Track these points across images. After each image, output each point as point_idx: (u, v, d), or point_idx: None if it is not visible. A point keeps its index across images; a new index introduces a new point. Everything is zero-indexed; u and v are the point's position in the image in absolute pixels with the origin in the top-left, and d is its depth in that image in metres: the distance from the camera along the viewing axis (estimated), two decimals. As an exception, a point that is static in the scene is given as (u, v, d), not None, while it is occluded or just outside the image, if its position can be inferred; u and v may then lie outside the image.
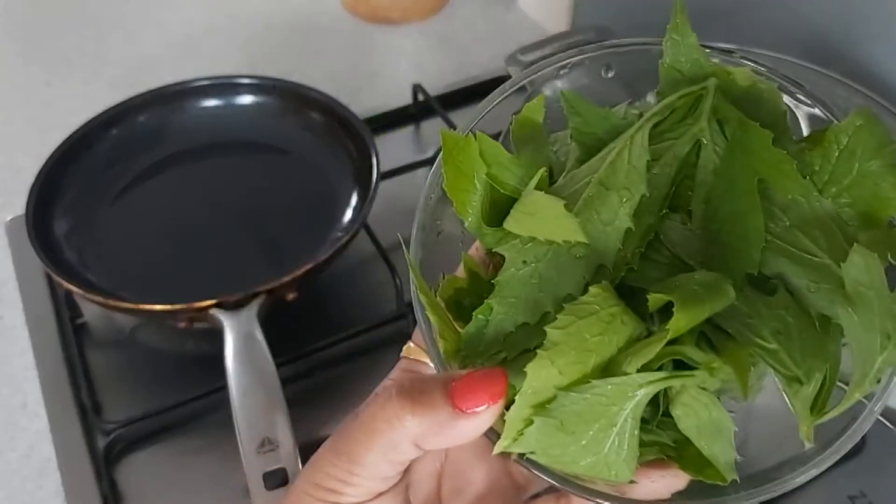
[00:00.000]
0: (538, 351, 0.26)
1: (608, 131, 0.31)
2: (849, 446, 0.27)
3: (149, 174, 0.73)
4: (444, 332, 0.28)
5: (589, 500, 0.27)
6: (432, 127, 0.82)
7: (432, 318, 0.28)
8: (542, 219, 0.28)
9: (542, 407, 0.26)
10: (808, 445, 0.27)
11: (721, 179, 0.29)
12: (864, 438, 0.59)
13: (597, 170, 0.29)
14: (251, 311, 0.57)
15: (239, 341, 0.56)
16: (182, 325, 0.59)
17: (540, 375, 0.26)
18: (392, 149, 0.77)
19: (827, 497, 0.55)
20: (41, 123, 0.86)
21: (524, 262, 0.28)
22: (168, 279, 0.65)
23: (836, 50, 0.63)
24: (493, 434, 0.27)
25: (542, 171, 0.30)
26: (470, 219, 0.30)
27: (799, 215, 0.28)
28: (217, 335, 0.57)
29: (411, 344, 0.33)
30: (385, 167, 0.68)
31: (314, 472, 0.29)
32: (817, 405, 0.27)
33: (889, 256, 0.27)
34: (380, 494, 0.29)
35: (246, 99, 0.76)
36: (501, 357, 0.28)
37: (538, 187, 0.29)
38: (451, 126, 0.77)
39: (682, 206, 0.30)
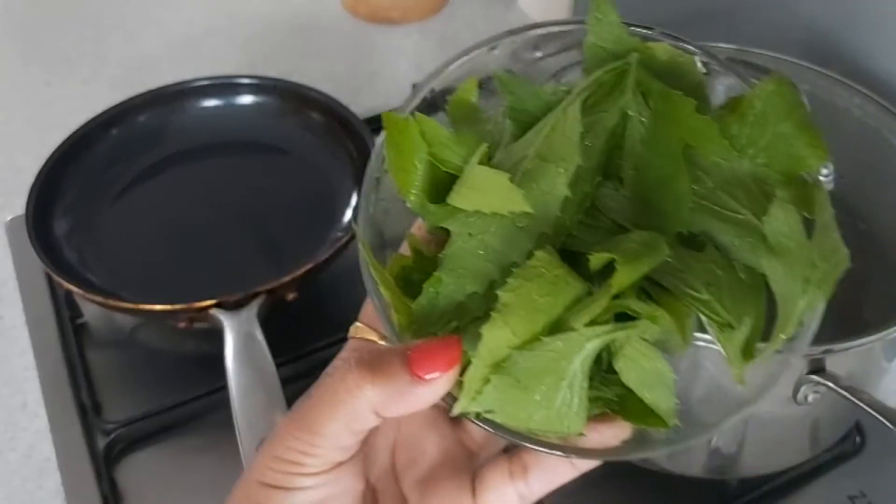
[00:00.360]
0: (492, 313, 0.27)
1: (541, 108, 0.32)
2: (772, 385, 0.29)
3: (149, 174, 0.73)
4: (397, 305, 0.29)
5: (542, 452, 0.29)
6: (432, 127, 0.82)
7: (385, 294, 0.29)
8: (487, 192, 0.29)
9: (497, 366, 0.27)
10: (740, 388, 0.29)
11: (648, 147, 0.31)
12: (864, 439, 0.60)
13: (533, 144, 0.31)
14: (251, 311, 0.57)
15: (239, 341, 0.56)
16: (182, 325, 0.59)
17: (494, 336, 0.27)
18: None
19: (827, 497, 0.55)
20: (41, 123, 0.86)
21: (470, 234, 0.30)
22: (168, 279, 0.65)
23: (836, 50, 0.63)
24: (449, 399, 0.28)
25: (483, 147, 0.31)
26: (412, 197, 0.31)
27: (721, 177, 0.30)
28: (217, 335, 0.57)
29: (358, 324, 0.35)
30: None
31: (275, 447, 0.29)
32: (747, 350, 0.29)
33: (805, 210, 0.29)
34: (339, 464, 0.29)
35: (246, 99, 0.76)
36: (453, 326, 0.29)
37: (480, 162, 0.31)
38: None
39: (615, 174, 0.32)
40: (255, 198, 0.71)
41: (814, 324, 0.29)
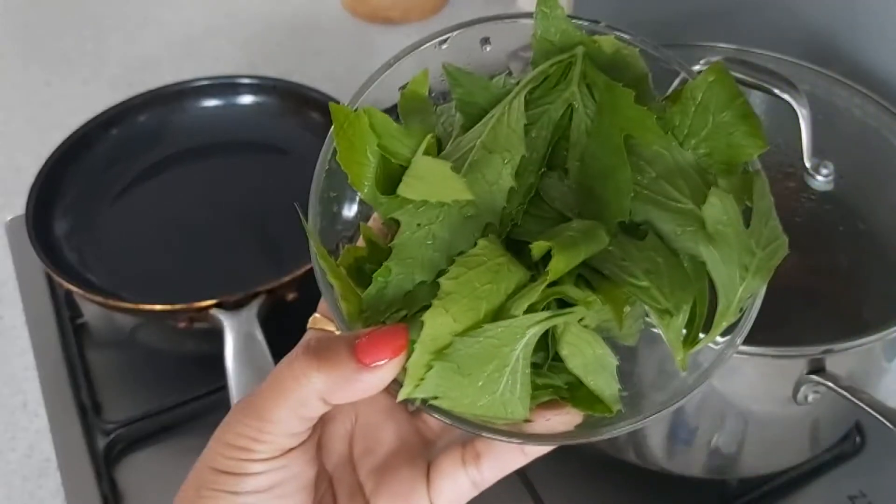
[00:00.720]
0: (433, 301, 0.28)
1: (489, 100, 0.33)
2: (714, 372, 0.30)
3: (149, 174, 0.73)
4: (345, 294, 0.30)
5: (491, 438, 0.29)
6: (432, 127, 0.82)
7: (334, 283, 0.30)
8: (431, 182, 0.30)
9: (439, 353, 0.28)
10: (682, 374, 0.30)
11: (592, 138, 0.31)
12: (864, 439, 0.60)
13: (480, 135, 0.31)
14: (251, 311, 0.57)
15: (239, 341, 0.56)
16: (182, 325, 0.59)
17: (436, 323, 0.28)
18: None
19: (827, 497, 0.55)
20: (41, 123, 0.86)
21: (418, 224, 0.31)
22: (168, 279, 0.65)
23: (836, 50, 0.63)
24: (396, 387, 0.28)
25: (428, 138, 0.32)
26: (366, 189, 0.32)
27: (664, 167, 0.30)
28: (217, 335, 0.57)
29: (317, 315, 0.35)
30: (385, 167, 0.68)
31: (225, 433, 0.30)
32: (690, 337, 0.29)
33: (746, 199, 0.29)
34: (289, 451, 0.30)
35: (246, 99, 0.76)
36: (402, 315, 0.30)
37: (426, 153, 0.31)
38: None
39: (560, 165, 0.32)
40: (255, 198, 0.71)
41: (754, 310, 0.30)
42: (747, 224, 0.28)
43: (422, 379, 0.28)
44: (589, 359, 0.30)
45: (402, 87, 0.34)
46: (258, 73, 0.79)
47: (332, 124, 0.32)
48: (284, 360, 0.29)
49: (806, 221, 0.50)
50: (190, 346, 0.65)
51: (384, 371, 0.28)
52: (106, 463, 0.57)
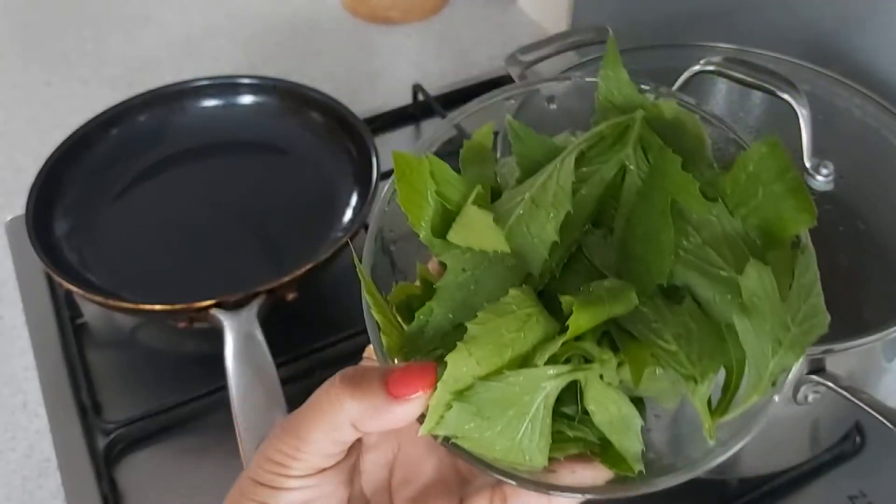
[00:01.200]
0: (458, 343, 0.29)
1: (546, 155, 0.34)
2: (743, 441, 0.30)
3: (149, 174, 0.73)
4: (386, 328, 0.31)
5: (514, 485, 0.30)
6: (432, 127, 0.82)
7: (377, 317, 0.31)
8: (475, 231, 0.31)
9: (460, 394, 0.29)
10: (710, 443, 0.30)
11: (640, 200, 0.32)
12: (864, 439, 0.60)
13: (530, 189, 0.33)
14: (251, 311, 0.57)
15: (239, 341, 0.56)
16: (182, 325, 0.59)
17: (459, 364, 0.29)
18: (392, 149, 0.77)
19: (827, 497, 0.55)
20: (41, 123, 0.86)
21: (463, 269, 0.32)
22: (168, 279, 0.65)
23: (836, 50, 0.63)
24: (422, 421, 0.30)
25: (477, 188, 0.33)
26: (423, 232, 0.33)
27: (710, 233, 0.31)
28: (217, 335, 0.57)
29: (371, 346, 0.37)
30: (385, 167, 0.68)
31: (267, 448, 0.32)
32: (722, 406, 0.30)
33: (790, 272, 0.29)
34: (323, 470, 0.32)
35: (246, 99, 0.76)
36: (439, 354, 0.31)
37: (475, 203, 0.32)
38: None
39: (607, 224, 0.33)
40: (255, 198, 0.71)
41: (789, 383, 0.30)
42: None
43: (442, 417, 0.29)
44: (614, 416, 0.30)
45: (468, 139, 0.36)
46: (258, 73, 0.79)
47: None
48: (324, 384, 0.31)
49: (806, 221, 0.50)
50: (190, 346, 0.65)
51: (412, 405, 0.29)
52: (106, 463, 0.57)
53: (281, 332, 0.59)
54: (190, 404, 0.59)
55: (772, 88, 0.51)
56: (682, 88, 0.55)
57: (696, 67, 0.54)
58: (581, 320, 0.28)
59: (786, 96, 0.51)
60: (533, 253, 0.32)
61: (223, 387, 0.54)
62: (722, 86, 0.58)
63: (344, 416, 0.30)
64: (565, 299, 0.29)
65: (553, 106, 0.38)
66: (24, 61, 0.95)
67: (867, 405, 0.44)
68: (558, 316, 0.30)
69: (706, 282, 0.30)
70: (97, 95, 0.88)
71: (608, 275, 0.32)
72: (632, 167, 0.32)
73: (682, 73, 0.54)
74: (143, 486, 0.57)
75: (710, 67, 0.54)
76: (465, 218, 0.32)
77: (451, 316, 0.31)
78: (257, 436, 0.52)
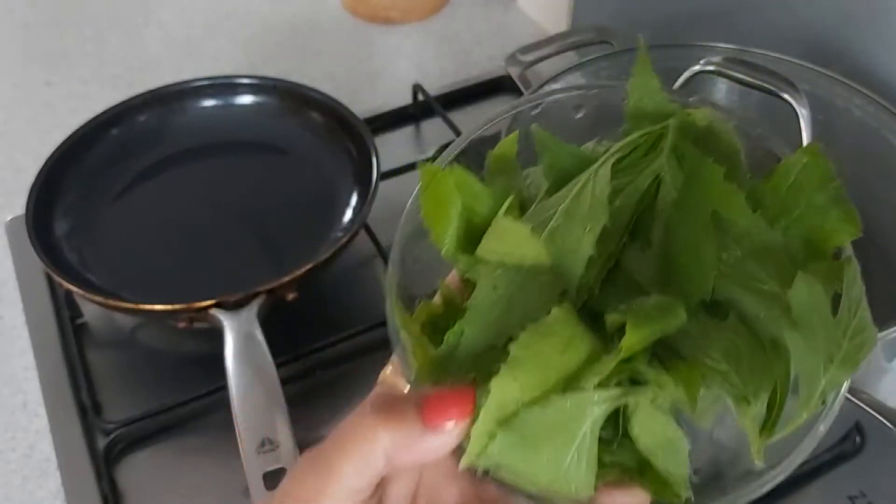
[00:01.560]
0: (502, 367, 0.27)
1: (576, 166, 0.32)
2: (796, 463, 0.29)
3: (149, 174, 0.73)
4: (416, 351, 0.30)
5: None
6: (432, 127, 0.82)
7: (406, 338, 0.30)
8: (510, 244, 0.30)
9: (505, 422, 0.27)
10: (759, 465, 0.29)
11: (678, 211, 0.30)
12: (864, 439, 0.60)
13: (563, 201, 0.31)
14: (251, 311, 0.57)
15: (239, 341, 0.56)
16: (182, 325, 0.59)
17: (503, 391, 0.27)
18: (392, 149, 0.77)
19: (827, 497, 0.55)
20: (41, 123, 0.86)
21: (494, 287, 0.30)
22: (168, 279, 0.65)
23: (836, 50, 0.63)
24: (459, 452, 0.28)
25: (511, 198, 0.31)
26: (446, 247, 0.31)
27: (751, 246, 0.29)
28: (217, 335, 0.57)
29: (387, 371, 0.35)
30: (385, 167, 0.68)
31: (291, 483, 0.30)
32: (767, 425, 0.29)
33: (835, 286, 0.28)
34: None
35: (246, 99, 0.76)
36: (471, 377, 0.29)
37: (508, 214, 0.31)
38: (452, 126, 0.77)
39: (643, 236, 0.31)
40: (255, 198, 0.71)
41: (838, 403, 0.29)
42: (834, 312, 0.27)
43: (485, 447, 0.27)
44: (660, 440, 0.29)
45: (491, 149, 0.34)
46: (258, 73, 0.79)
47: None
48: (351, 415, 0.29)
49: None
50: (190, 346, 0.65)
51: (449, 435, 0.27)
52: (106, 463, 0.57)
53: (281, 332, 0.59)
54: (190, 404, 0.59)
55: (772, 88, 0.51)
56: (682, 88, 0.55)
57: (696, 67, 0.54)
58: (634, 340, 0.27)
59: (786, 96, 0.51)
60: (569, 268, 0.30)
61: (223, 387, 0.54)
62: (722, 86, 0.58)
63: (378, 446, 0.28)
64: (611, 317, 0.28)
65: (580, 114, 0.37)
66: (24, 61, 0.95)
67: (867, 405, 0.44)
68: (599, 334, 0.28)
69: (749, 296, 0.29)
70: (97, 95, 0.88)
71: (649, 290, 0.30)
72: (666, 177, 0.31)
73: (682, 73, 0.54)
74: (143, 486, 0.57)
75: (710, 67, 0.54)
76: (498, 231, 0.31)
77: (483, 337, 0.29)
78: (257, 436, 0.52)
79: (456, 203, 0.31)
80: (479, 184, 0.32)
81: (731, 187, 0.29)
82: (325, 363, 0.62)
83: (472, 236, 0.32)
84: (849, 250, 0.30)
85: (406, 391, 0.31)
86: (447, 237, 0.31)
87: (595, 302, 0.30)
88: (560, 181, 0.32)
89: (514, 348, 0.27)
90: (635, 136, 0.32)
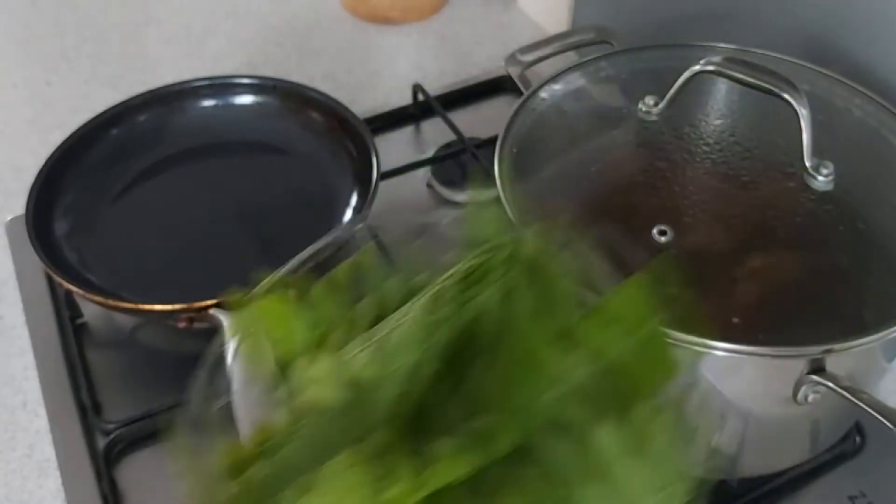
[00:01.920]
0: None
1: (405, 295, 0.32)
2: None
3: (149, 174, 0.73)
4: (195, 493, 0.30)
5: None
6: (432, 127, 0.82)
7: (191, 485, 0.30)
8: (312, 380, 0.30)
9: None
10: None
11: (501, 346, 0.30)
12: (864, 439, 0.60)
13: (380, 333, 0.31)
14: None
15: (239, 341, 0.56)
16: (182, 325, 0.59)
17: None
18: (392, 149, 0.77)
19: (827, 497, 0.55)
20: (41, 123, 0.86)
21: (299, 425, 0.30)
22: (168, 279, 0.65)
23: (836, 50, 0.63)
24: None
25: (320, 333, 0.32)
26: (263, 383, 0.32)
27: (569, 385, 0.28)
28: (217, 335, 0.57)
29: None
30: (385, 167, 0.68)
31: None
32: None
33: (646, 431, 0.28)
34: None
35: (246, 99, 0.76)
36: None
37: (316, 350, 0.31)
38: (452, 126, 0.77)
39: (462, 369, 0.30)
40: (255, 198, 0.71)
41: None
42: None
43: None
44: None
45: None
46: (258, 73, 0.79)
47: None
48: None
49: (806, 221, 0.50)
50: (190, 346, 0.65)
51: None
52: (106, 463, 0.57)
53: (281, 332, 0.59)
54: (190, 404, 0.59)
55: (772, 88, 0.51)
56: (682, 88, 0.55)
57: (696, 67, 0.54)
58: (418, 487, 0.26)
59: (786, 96, 0.51)
60: (376, 405, 0.29)
61: (223, 387, 0.54)
62: (722, 86, 0.58)
63: None
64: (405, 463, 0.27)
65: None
66: (24, 61, 0.95)
67: (867, 405, 0.44)
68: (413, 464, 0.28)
69: (557, 441, 0.28)
70: (97, 95, 0.88)
71: (456, 429, 0.29)
72: (492, 310, 0.30)
73: (682, 73, 0.54)
74: (143, 486, 0.57)
75: (710, 67, 0.54)
76: (300, 369, 0.31)
77: (282, 477, 0.29)
78: (257, 436, 0.52)
79: (269, 336, 0.32)
80: (292, 316, 0.32)
81: (546, 328, 0.28)
82: (325, 363, 0.62)
83: (286, 370, 0.32)
84: (667, 396, 0.29)
85: None
86: (263, 371, 0.32)
87: (408, 433, 0.30)
88: (387, 310, 0.32)
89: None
90: (459, 266, 0.31)
